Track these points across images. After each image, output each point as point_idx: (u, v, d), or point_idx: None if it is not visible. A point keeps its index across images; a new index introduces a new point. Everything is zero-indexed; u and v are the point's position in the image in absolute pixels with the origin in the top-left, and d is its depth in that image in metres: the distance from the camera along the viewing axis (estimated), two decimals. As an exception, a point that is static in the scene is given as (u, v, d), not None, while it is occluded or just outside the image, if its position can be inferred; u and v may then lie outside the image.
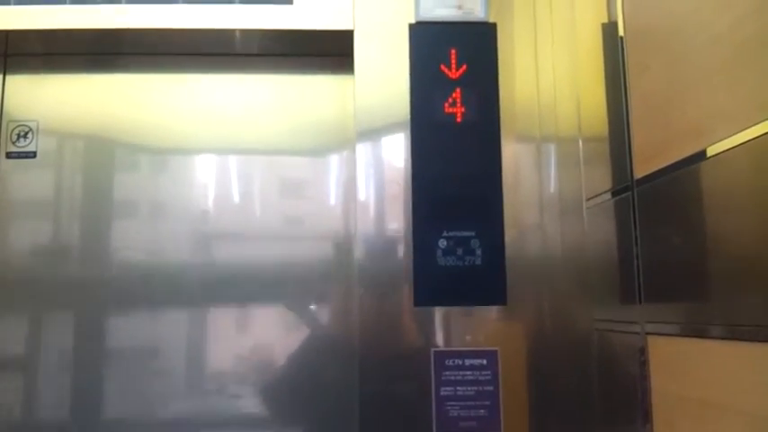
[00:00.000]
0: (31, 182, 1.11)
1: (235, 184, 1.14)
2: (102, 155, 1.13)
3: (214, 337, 1.10)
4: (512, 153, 1.00)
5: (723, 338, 0.67)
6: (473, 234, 0.97)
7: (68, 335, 1.08)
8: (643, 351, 0.84)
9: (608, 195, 0.95)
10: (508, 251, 0.97)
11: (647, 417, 0.84)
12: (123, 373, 1.07)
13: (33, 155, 1.11)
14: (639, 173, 0.86)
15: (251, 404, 1.08)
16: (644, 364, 0.84)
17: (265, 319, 1.12)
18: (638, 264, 0.86)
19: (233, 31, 1.05)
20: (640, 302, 0.86)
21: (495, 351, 0.95)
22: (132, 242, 1.11)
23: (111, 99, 1.14)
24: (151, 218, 1.12)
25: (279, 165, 1.15)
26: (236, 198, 1.14)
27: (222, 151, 1.15)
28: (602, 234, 0.96)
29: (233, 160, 1.15)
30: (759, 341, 0.61)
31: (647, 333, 0.84)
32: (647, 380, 0.84)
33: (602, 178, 0.97)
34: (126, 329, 1.09)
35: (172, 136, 1.14)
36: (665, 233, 0.82)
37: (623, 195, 0.90)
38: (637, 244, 0.87)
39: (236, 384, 1.09)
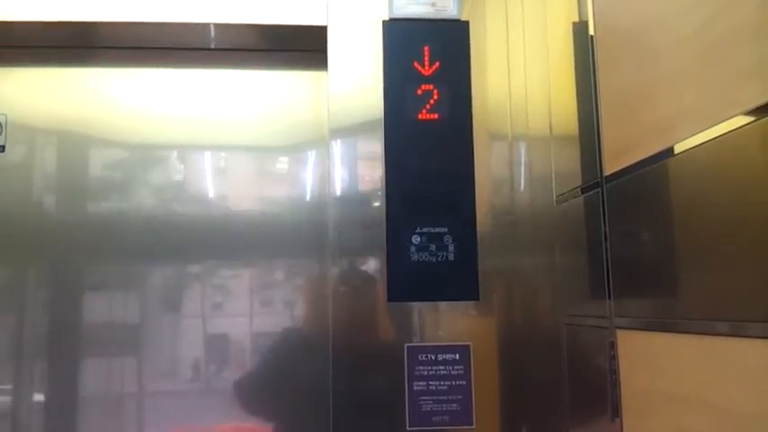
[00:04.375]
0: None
1: (208, 178, 1.14)
2: (72, 149, 1.12)
3: (184, 333, 1.09)
4: (484, 150, 1.00)
5: (690, 332, 0.68)
6: (446, 230, 0.97)
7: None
8: (612, 345, 0.86)
9: (578, 192, 0.96)
10: (480, 247, 0.98)
11: (616, 410, 0.85)
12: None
13: (2, 149, 1.09)
14: (608, 169, 0.87)
15: (224, 400, 1.08)
16: (613, 357, 0.85)
17: (244, 315, 1.11)
18: (607, 259, 0.88)
19: (207, 25, 1.05)
20: (609, 297, 0.87)
21: (468, 346, 0.96)
22: (102, 245, 1.10)
23: (82, 93, 1.12)
24: (122, 213, 1.11)
25: (252, 160, 1.15)
26: (210, 193, 1.13)
27: (195, 146, 1.14)
28: (572, 230, 0.97)
29: (207, 155, 1.14)
30: (725, 335, 0.62)
31: (617, 327, 0.85)
32: (617, 374, 0.85)
33: (572, 175, 0.98)
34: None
35: (143, 130, 1.13)
36: (633, 229, 0.83)
37: (593, 192, 0.91)
38: (606, 239, 0.88)
39: (206, 379, 1.08)
